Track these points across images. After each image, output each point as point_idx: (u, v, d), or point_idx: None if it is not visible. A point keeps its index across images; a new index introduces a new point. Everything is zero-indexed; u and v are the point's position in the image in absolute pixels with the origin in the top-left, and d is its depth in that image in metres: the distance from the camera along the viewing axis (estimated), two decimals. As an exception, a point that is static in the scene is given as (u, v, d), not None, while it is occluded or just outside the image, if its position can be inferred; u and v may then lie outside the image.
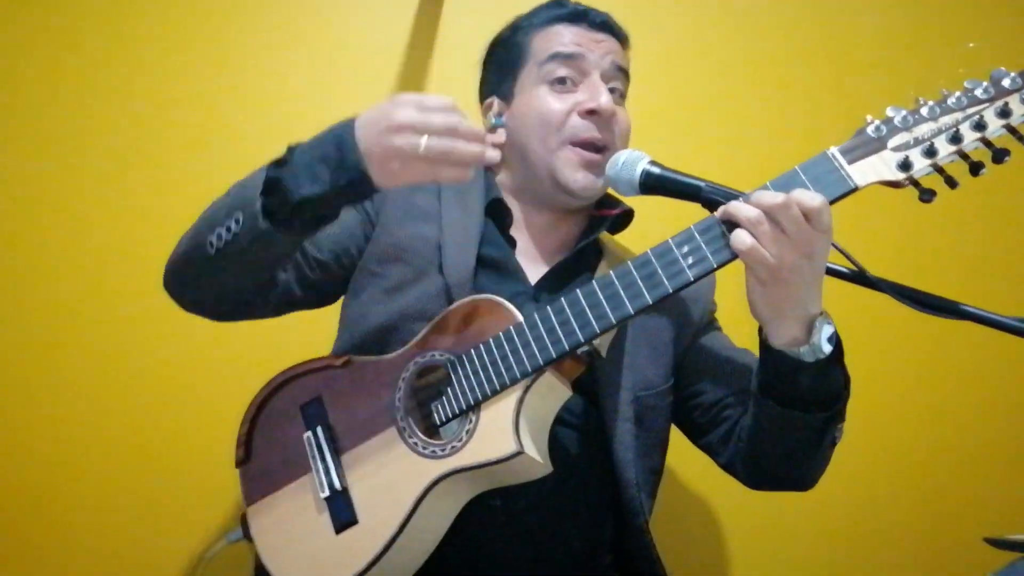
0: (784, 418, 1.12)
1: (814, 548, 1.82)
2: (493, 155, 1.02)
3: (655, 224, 1.47)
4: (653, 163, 1.18)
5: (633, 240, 1.43)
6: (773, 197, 0.97)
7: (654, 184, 1.17)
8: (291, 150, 1.07)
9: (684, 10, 1.92)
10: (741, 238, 0.99)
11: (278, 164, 1.06)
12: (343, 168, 1.01)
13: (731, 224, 1.02)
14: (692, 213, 1.11)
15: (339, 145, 1.02)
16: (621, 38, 1.38)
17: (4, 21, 1.73)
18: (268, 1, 1.80)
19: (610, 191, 1.36)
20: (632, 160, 1.19)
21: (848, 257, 1.04)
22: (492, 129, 1.36)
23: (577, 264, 1.34)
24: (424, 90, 1.82)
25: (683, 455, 1.40)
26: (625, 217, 1.39)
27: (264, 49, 1.80)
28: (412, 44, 1.83)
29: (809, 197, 0.97)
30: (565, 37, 1.32)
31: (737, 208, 1.00)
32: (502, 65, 1.38)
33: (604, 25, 1.35)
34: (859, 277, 1.08)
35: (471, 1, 1.84)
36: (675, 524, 1.72)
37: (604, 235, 1.39)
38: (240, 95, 1.78)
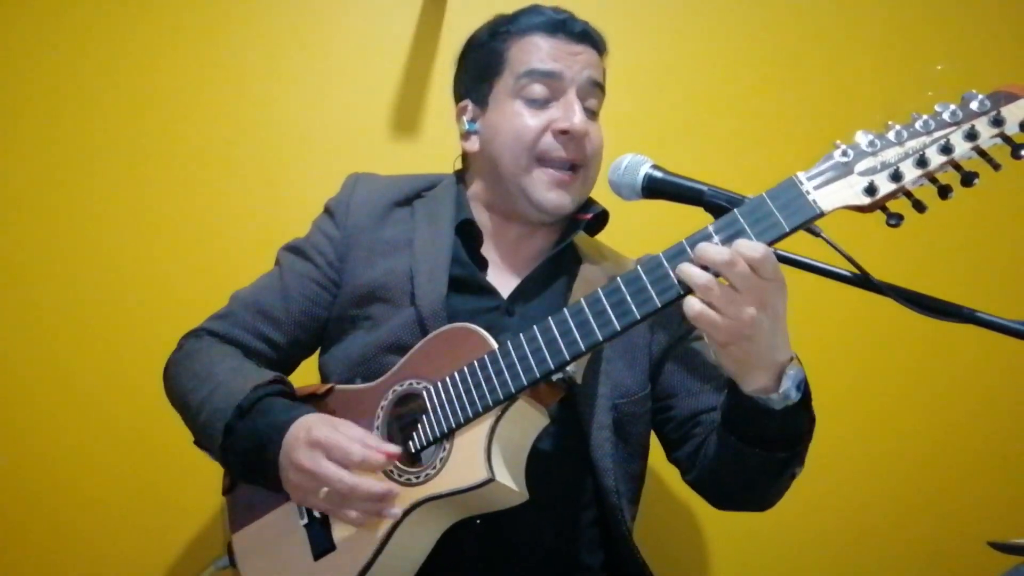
0: (745, 454, 1.13)
1: (815, 552, 1.81)
2: (394, 514, 1.09)
3: (658, 228, 1.48)
4: (655, 167, 1.19)
5: (635, 243, 1.45)
6: (718, 253, 0.97)
7: (657, 188, 1.18)
8: (233, 429, 1.16)
9: (688, 14, 1.93)
10: (691, 304, 0.99)
11: (229, 429, 1.16)
12: (266, 478, 1.15)
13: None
14: (695, 217, 1.12)
15: (262, 462, 1.14)
16: (599, 47, 1.36)
17: (8, 22, 1.76)
18: (272, 4, 1.83)
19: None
20: (634, 165, 1.19)
21: (852, 261, 1.03)
22: (465, 135, 1.37)
23: (554, 271, 1.34)
24: (427, 91, 1.84)
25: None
26: (600, 219, 1.39)
27: (268, 52, 1.82)
28: (415, 46, 1.84)
29: (751, 249, 0.96)
30: (543, 50, 1.30)
31: (688, 274, 0.98)
32: (478, 69, 1.37)
33: (583, 35, 1.33)
34: (862, 281, 1.06)
35: (474, 3, 1.84)
36: (663, 528, 1.72)
37: (581, 237, 1.39)
38: (243, 97, 1.80)
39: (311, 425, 1.10)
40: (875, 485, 1.83)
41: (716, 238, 1.00)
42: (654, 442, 1.40)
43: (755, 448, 1.12)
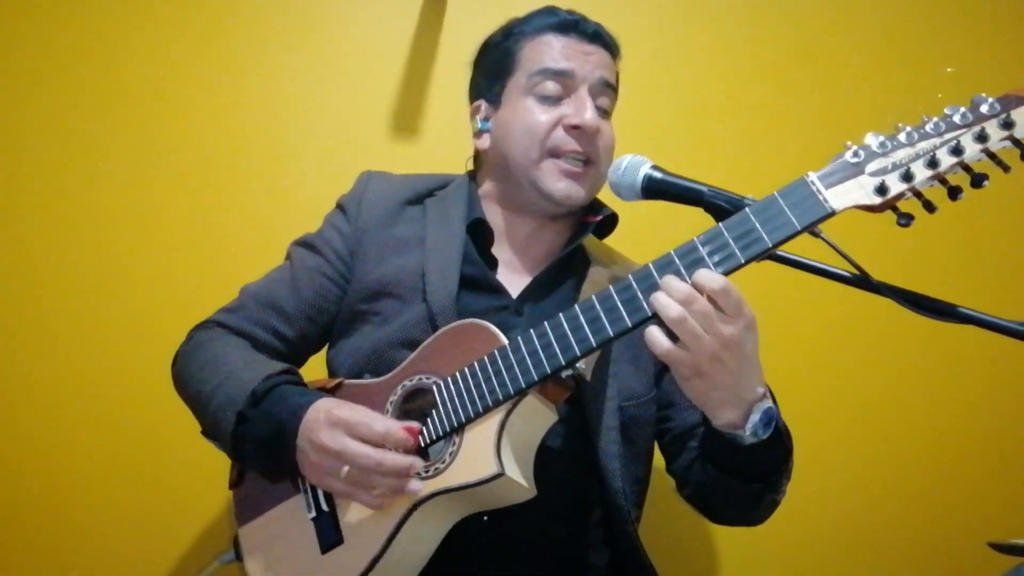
0: (722, 482, 1.15)
1: (814, 553, 1.82)
2: (415, 487, 1.07)
3: (658, 229, 1.49)
4: (655, 168, 1.19)
5: (636, 245, 1.46)
6: (677, 291, 0.97)
7: (656, 189, 1.19)
8: (247, 417, 1.15)
9: (690, 15, 1.94)
10: (657, 340, 0.99)
11: (242, 417, 1.16)
12: (283, 462, 1.14)
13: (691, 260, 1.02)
14: (695, 218, 1.12)
15: (280, 447, 1.13)
16: (612, 49, 1.38)
17: (13, 24, 1.77)
18: (273, 6, 1.84)
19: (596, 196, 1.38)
20: (634, 165, 1.20)
21: (851, 262, 1.04)
22: (478, 133, 1.39)
23: (563, 272, 1.35)
24: (427, 92, 1.85)
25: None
26: (610, 222, 1.40)
27: (268, 53, 1.83)
28: (415, 47, 1.85)
29: (710, 280, 0.97)
30: (555, 49, 1.32)
31: (661, 304, 0.99)
32: (492, 69, 1.39)
33: (595, 36, 1.35)
34: (862, 282, 1.07)
35: (474, 4, 1.86)
36: (670, 528, 1.72)
37: (591, 240, 1.39)
38: (246, 97, 1.81)
39: (331, 407, 1.10)
40: (877, 486, 1.84)
41: (727, 235, 1.01)
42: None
43: (730, 477, 1.14)
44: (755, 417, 1.03)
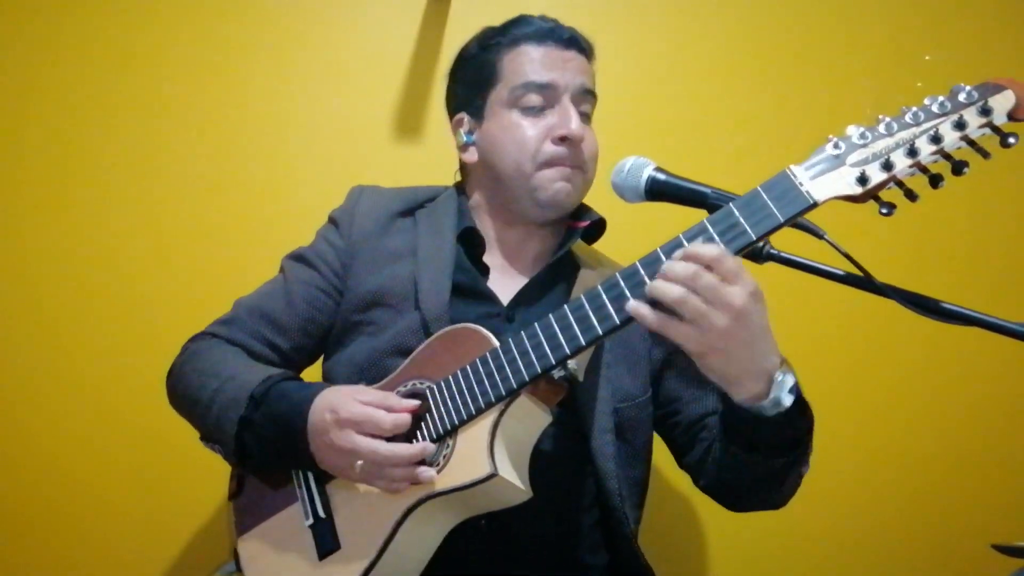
0: (747, 461, 1.13)
1: (814, 555, 1.80)
2: (428, 475, 1.10)
3: (660, 231, 1.49)
4: (659, 169, 1.19)
5: (637, 246, 1.45)
6: (683, 269, 0.96)
7: (660, 191, 1.18)
8: (252, 417, 1.18)
9: (689, 16, 1.95)
10: (644, 315, 0.98)
11: (245, 420, 1.18)
12: (297, 459, 1.18)
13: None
14: (696, 219, 1.12)
15: (290, 447, 1.16)
16: (587, 52, 1.39)
17: (16, 26, 1.78)
18: (276, 10, 1.85)
19: (583, 201, 1.39)
20: (637, 167, 1.20)
21: (854, 263, 1.04)
22: (464, 147, 1.40)
23: (553, 278, 1.36)
24: (429, 96, 1.85)
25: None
26: (598, 227, 1.41)
27: (270, 57, 1.84)
28: (418, 47, 1.86)
29: (706, 249, 0.96)
30: (535, 61, 1.33)
31: (661, 291, 0.97)
32: (471, 82, 1.40)
33: (571, 41, 1.36)
34: (865, 283, 1.06)
35: (477, 7, 1.86)
36: (668, 531, 1.72)
37: (580, 245, 1.40)
38: (247, 102, 1.82)
39: (336, 406, 1.12)
40: (879, 487, 1.83)
41: (712, 230, 1.02)
42: (662, 448, 1.40)
43: (755, 455, 1.12)
44: (777, 388, 1.02)
